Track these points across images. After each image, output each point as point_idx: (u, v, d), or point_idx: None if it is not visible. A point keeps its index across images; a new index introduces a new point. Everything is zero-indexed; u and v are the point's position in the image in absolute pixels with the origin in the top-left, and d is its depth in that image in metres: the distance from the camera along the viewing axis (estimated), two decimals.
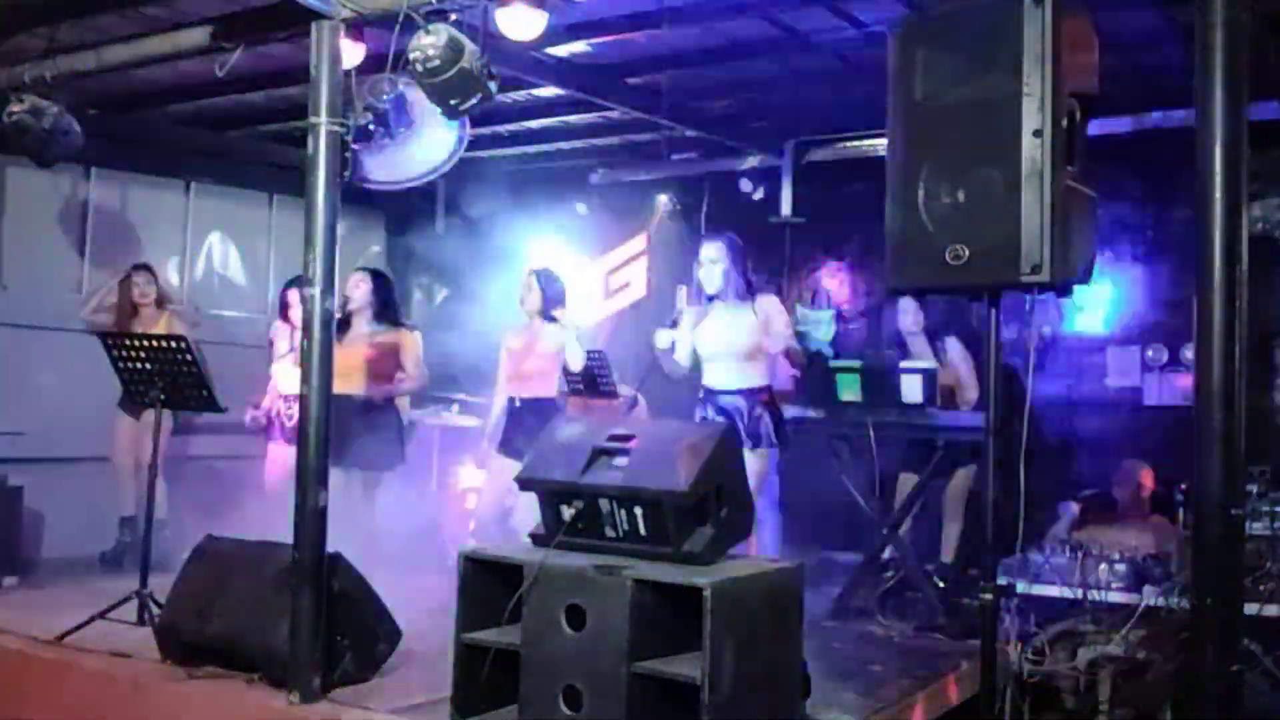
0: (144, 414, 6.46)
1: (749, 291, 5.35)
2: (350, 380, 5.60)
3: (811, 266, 7.76)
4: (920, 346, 6.12)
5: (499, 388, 5.92)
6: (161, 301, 6.92)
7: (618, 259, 8.63)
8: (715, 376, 5.37)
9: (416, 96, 4.40)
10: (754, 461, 5.06)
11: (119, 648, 4.53)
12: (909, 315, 6.10)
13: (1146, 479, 5.75)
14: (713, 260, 5.34)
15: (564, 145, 7.98)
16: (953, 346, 6.04)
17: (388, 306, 6.02)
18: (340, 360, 5.62)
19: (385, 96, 4.36)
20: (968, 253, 3.29)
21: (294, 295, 5.84)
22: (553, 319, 5.81)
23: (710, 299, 5.35)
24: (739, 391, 5.30)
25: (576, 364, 5.76)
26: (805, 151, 7.69)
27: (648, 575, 3.35)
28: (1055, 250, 3.17)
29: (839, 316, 7.53)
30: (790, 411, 5.72)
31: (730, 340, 5.30)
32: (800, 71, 6.21)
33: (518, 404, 5.77)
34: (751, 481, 5.00)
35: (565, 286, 5.91)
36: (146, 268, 6.94)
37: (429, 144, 4.73)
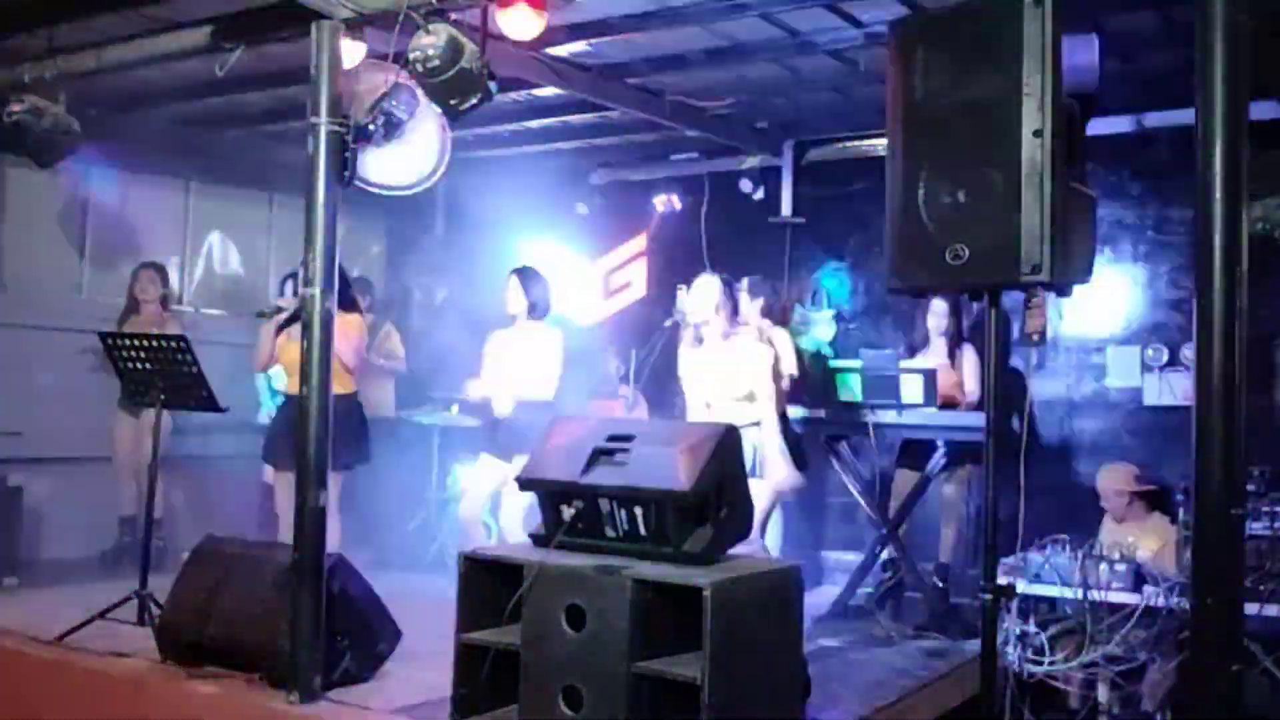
0: (144, 413, 6.46)
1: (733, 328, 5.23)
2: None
3: (811, 266, 7.76)
4: (939, 348, 6.15)
5: (477, 384, 5.86)
6: (165, 301, 6.92)
7: (618, 259, 8.62)
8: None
9: (423, 101, 4.40)
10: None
11: (119, 648, 4.54)
12: (935, 316, 6.13)
13: (1129, 481, 5.74)
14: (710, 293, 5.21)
15: (564, 145, 7.97)
16: (969, 354, 6.07)
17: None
18: (290, 358, 5.55)
19: (402, 105, 4.33)
20: (968, 253, 3.29)
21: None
22: (540, 318, 5.79)
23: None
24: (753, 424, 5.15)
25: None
26: (805, 151, 7.69)
27: (648, 575, 3.35)
28: (1055, 250, 3.17)
29: (839, 316, 7.53)
30: (790, 411, 5.72)
31: (723, 386, 5.18)
32: (800, 71, 6.21)
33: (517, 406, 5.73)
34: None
35: (549, 284, 5.88)
36: (151, 265, 6.94)
37: (421, 148, 4.72)
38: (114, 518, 6.77)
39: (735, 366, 5.13)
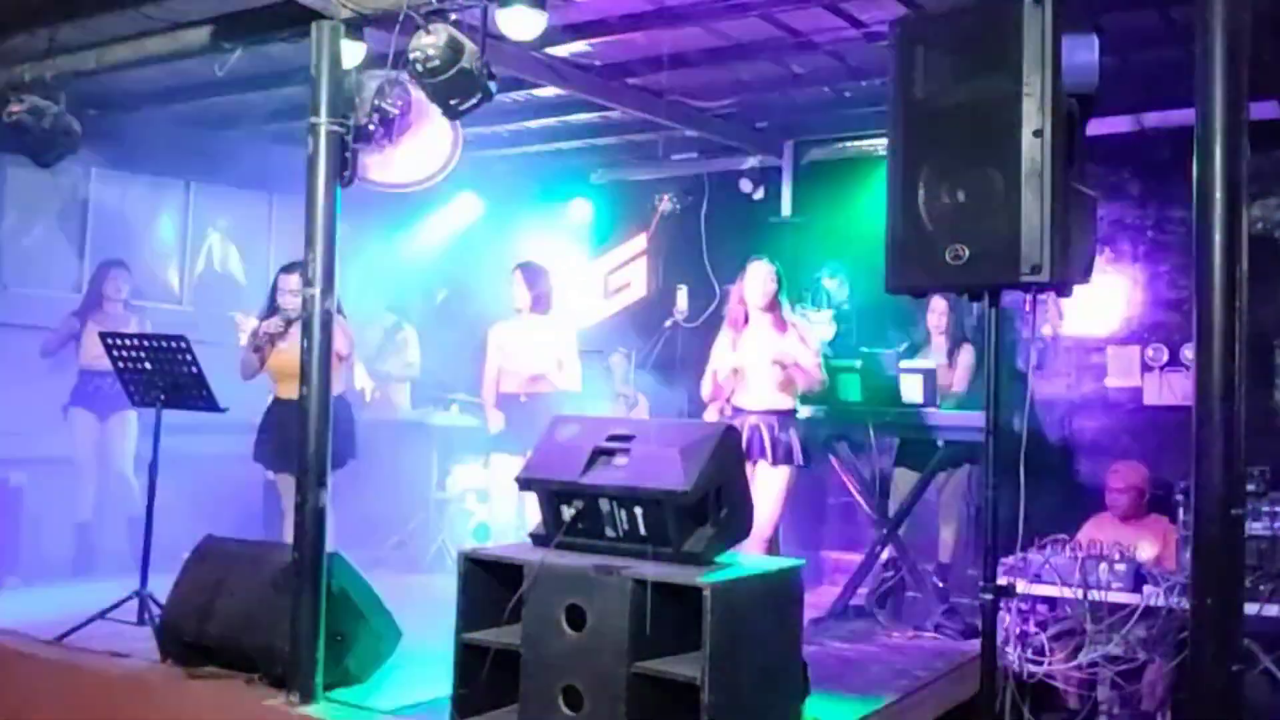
0: (112, 412, 6.45)
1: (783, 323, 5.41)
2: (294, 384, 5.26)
3: (811, 266, 7.76)
4: (939, 345, 6.18)
5: (486, 384, 5.89)
6: (128, 302, 6.86)
7: (618, 259, 8.63)
8: (746, 397, 5.40)
9: (417, 98, 4.40)
10: (777, 477, 5.27)
11: (119, 648, 4.54)
12: (936, 314, 6.15)
13: (1139, 479, 5.73)
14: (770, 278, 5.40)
15: (564, 145, 7.97)
16: (965, 353, 6.08)
17: None
18: (285, 363, 5.52)
19: (394, 100, 4.33)
20: (968, 253, 3.29)
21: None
22: (544, 312, 5.79)
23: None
24: (769, 411, 5.35)
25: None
26: (805, 151, 7.69)
27: (648, 575, 3.35)
28: (1055, 250, 3.17)
29: (839, 316, 7.53)
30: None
31: (770, 372, 5.33)
32: (800, 71, 6.21)
33: (523, 399, 5.75)
34: (773, 495, 5.22)
35: (552, 278, 5.89)
36: (123, 264, 6.92)
37: (425, 150, 4.72)
38: (113, 517, 6.76)
39: (783, 354, 5.28)
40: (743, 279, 5.44)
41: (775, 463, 5.28)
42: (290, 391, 5.53)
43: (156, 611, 4.66)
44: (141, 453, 6.23)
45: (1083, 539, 5.12)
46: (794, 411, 5.45)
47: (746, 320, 5.42)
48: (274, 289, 5.69)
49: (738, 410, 5.42)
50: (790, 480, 5.38)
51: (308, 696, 3.95)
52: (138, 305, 6.98)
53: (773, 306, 5.37)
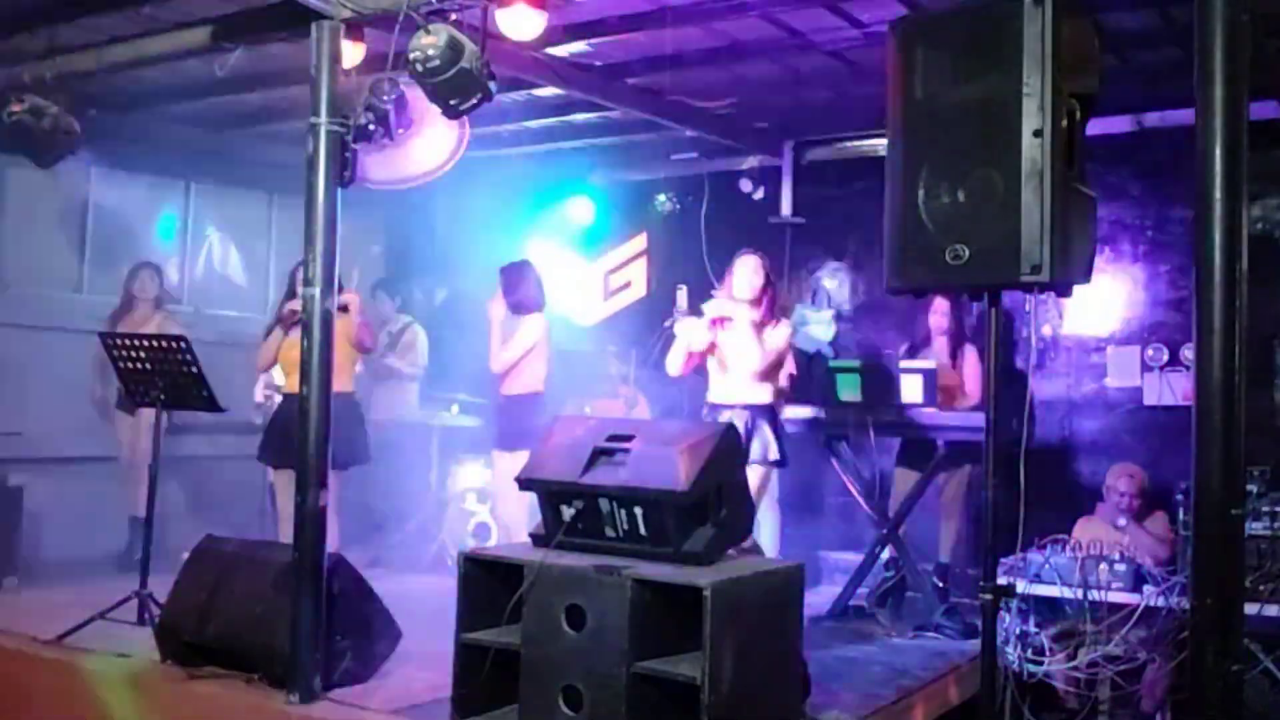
0: (140, 411, 6.45)
1: (772, 314, 5.29)
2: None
3: (811, 266, 7.76)
4: (941, 346, 6.19)
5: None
6: (160, 301, 6.92)
7: (618, 259, 8.63)
8: (722, 391, 5.31)
9: (416, 96, 4.40)
10: (750, 477, 5.13)
11: (119, 648, 4.54)
12: (938, 315, 6.15)
13: (1135, 481, 5.72)
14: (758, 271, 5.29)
15: (564, 145, 7.97)
16: (970, 354, 6.08)
17: None
18: (295, 356, 5.50)
19: (387, 97, 4.34)
20: (968, 253, 3.29)
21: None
22: (526, 314, 5.80)
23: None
24: (745, 406, 5.25)
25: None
26: (805, 151, 7.69)
27: (648, 575, 3.35)
28: (1055, 250, 3.17)
29: (839, 316, 7.53)
30: (790, 411, 5.74)
31: (749, 362, 5.23)
32: (800, 71, 6.20)
33: (501, 400, 5.77)
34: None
35: (536, 278, 5.88)
36: (149, 265, 6.95)
37: (429, 144, 4.72)
38: (113, 517, 6.76)
39: (765, 345, 5.18)
40: (731, 273, 5.33)
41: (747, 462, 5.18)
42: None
43: (156, 611, 4.66)
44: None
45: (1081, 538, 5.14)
46: (773, 407, 5.34)
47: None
48: (292, 278, 5.72)
49: (713, 406, 5.30)
50: (765, 479, 5.25)
51: (308, 696, 3.95)
52: (172, 306, 7.01)
53: (758, 301, 5.23)
